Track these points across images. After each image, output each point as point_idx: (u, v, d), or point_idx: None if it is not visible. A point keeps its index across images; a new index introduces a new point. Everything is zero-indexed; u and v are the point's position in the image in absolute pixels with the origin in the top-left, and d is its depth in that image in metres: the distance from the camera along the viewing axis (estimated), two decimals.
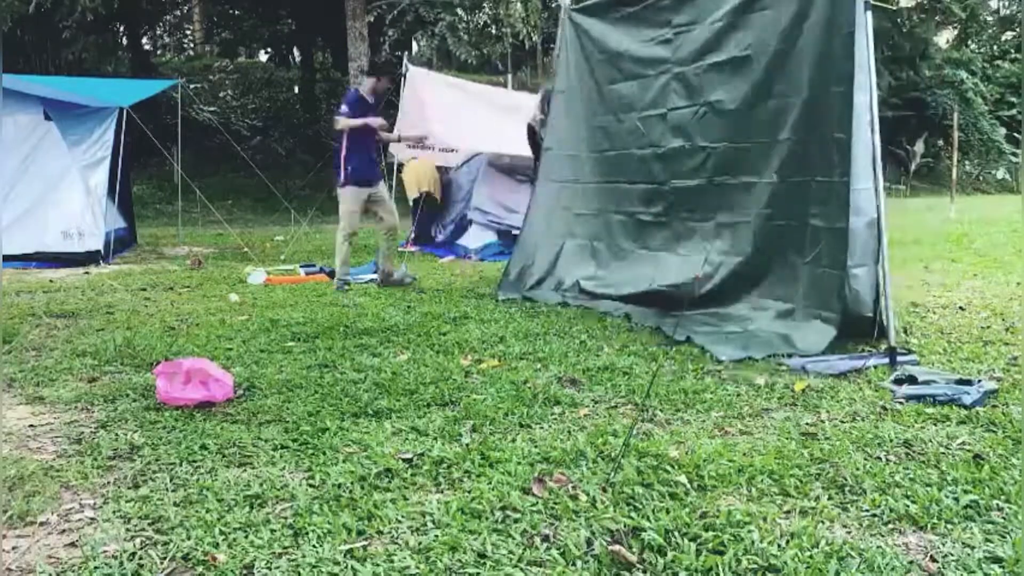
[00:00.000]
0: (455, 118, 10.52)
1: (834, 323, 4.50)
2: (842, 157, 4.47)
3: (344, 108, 7.14)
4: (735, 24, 5.23)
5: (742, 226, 5.24)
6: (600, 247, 6.43)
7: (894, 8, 25.30)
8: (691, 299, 4.79)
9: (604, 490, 2.54)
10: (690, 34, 5.58)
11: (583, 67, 6.56)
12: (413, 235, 10.57)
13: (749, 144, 5.16)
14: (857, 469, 2.71)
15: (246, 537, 2.25)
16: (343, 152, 7.11)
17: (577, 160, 6.62)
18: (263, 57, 30.26)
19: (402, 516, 2.38)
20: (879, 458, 2.83)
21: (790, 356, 4.32)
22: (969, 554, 2.14)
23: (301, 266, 8.50)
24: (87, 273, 8.38)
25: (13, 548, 2.22)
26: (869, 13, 4.34)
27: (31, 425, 3.29)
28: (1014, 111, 30.54)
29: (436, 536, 2.24)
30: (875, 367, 4.06)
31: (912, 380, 3.71)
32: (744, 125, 5.19)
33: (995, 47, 34.39)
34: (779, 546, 2.17)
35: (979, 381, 3.65)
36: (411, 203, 10.20)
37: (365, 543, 2.22)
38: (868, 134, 4.37)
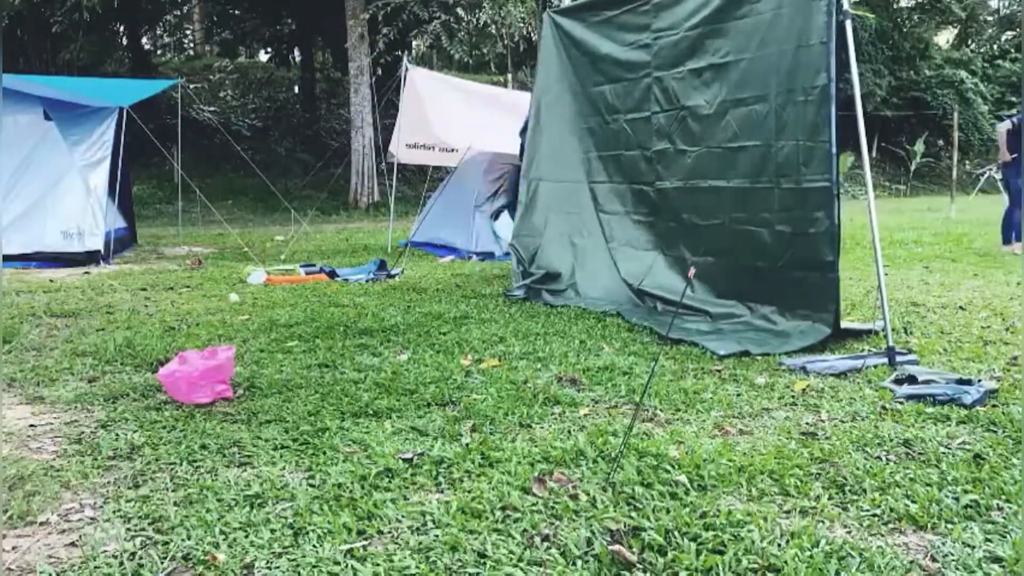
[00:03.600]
0: (455, 118, 10.52)
1: (826, 322, 4.57)
2: (819, 163, 4.56)
3: None
4: (711, 31, 5.34)
5: (715, 229, 5.36)
6: (586, 244, 6.47)
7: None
8: (680, 299, 4.87)
9: (604, 490, 2.54)
10: (668, 40, 5.66)
11: (566, 68, 6.64)
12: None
13: (722, 149, 5.26)
14: (857, 469, 2.71)
15: (246, 537, 2.25)
16: None
17: (567, 160, 6.66)
18: (263, 57, 30.27)
19: (402, 516, 2.38)
20: (879, 458, 2.83)
21: (789, 356, 4.32)
22: (969, 554, 2.14)
23: (301, 266, 8.50)
24: (87, 273, 8.38)
25: (13, 548, 2.22)
26: (848, 22, 4.39)
27: (31, 425, 3.29)
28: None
29: (436, 536, 2.24)
30: (875, 367, 4.06)
31: (912, 380, 3.71)
32: (717, 130, 5.30)
33: (995, 47, 34.42)
34: (779, 546, 2.17)
35: (979, 381, 3.65)
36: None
37: (365, 543, 2.22)
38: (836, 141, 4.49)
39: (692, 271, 4.61)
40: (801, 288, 4.75)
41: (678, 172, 5.68)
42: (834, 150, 4.49)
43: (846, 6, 4.41)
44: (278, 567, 2.10)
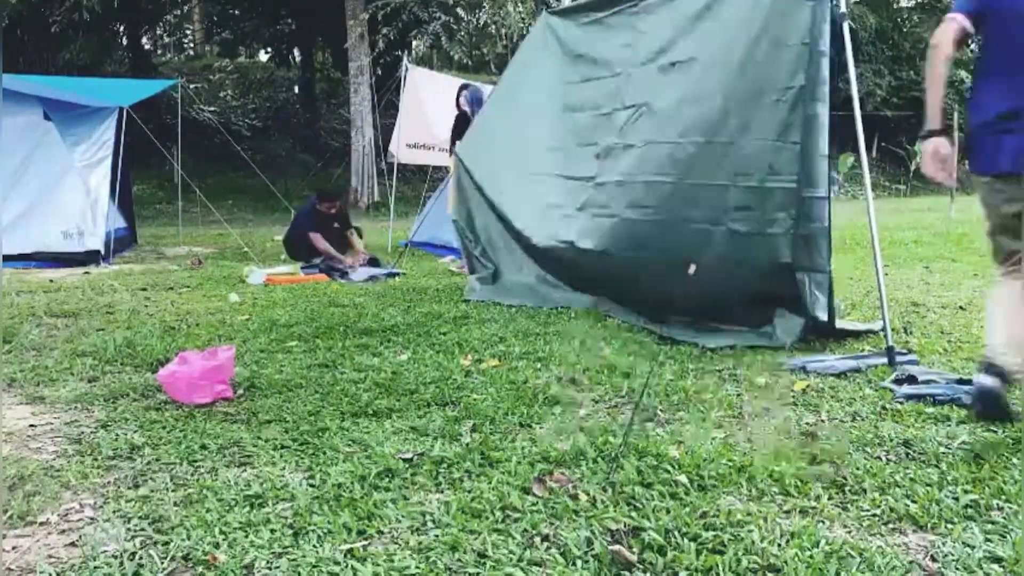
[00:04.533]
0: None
1: (801, 314, 4.54)
2: (786, 164, 4.51)
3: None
4: (687, 30, 5.30)
5: (642, 223, 5.32)
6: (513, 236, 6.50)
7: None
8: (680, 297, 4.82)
9: (604, 490, 2.54)
10: (648, 38, 5.64)
11: (543, 66, 6.60)
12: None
13: (669, 144, 5.18)
14: (857, 469, 2.71)
15: (246, 537, 2.25)
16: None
17: (503, 152, 6.67)
18: (263, 57, 30.27)
19: (402, 516, 2.38)
20: (879, 458, 2.83)
21: (791, 355, 4.32)
22: (969, 554, 2.14)
23: (302, 267, 8.50)
24: (87, 273, 8.38)
25: (13, 548, 2.22)
26: (846, 24, 4.36)
27: (31, 425, 3.29)
28: None
29: (436, 536, 2.24)
30: (875, 367, 4.06)
31: (912, 380, 3.71)
32: (667, 126, 5.23)
33: None
34: (779, 546, 2.17)
35: None
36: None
37: (365, 543, 2.22)
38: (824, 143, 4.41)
39: (693, 267, 4.54)
40: (764, 287, 4.73)
41: (619, 166, 5.61)
42: (824, 151, 4.39)
43: (843, 8, 4.39)
44: (278, 567, 2.10)
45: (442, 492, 2.57)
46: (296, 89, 26.23)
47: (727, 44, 4.95)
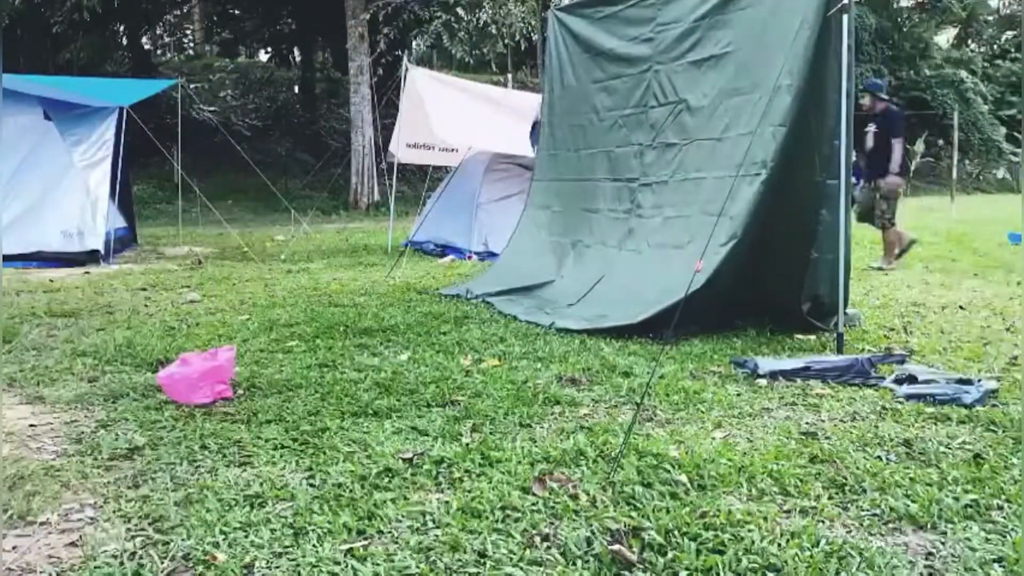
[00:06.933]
0: (456, 118, 10.51)
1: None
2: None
3: None
4: (715, 22, 5.24)
5: (681, 220, 5.32)
6: (566, 243, 6.39)
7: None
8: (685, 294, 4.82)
9: (604, 490, 2.54)
10: (671, 32, 5.59)
11: (567, 67, 6.58)
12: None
13: (713, 140, 5.18)
14: (857, 469, 2.71)
15: (246, 537, 2.25)
16: None
17: (557, 159, 6.65)
18: (263, 57, 30.27)
19: (402, 515, 2.38)
20: (879, 458, 2.83)
21: (792, 356, 4.32)
22: (969, 554, 2.14)
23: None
24: (87, 273, 8.38)
25: (13, 548, 2.22)
26: (845, 17, 4.34)
27: (31, 425, 3.29)
28: (1014, 111, 30.56)
29: (436, 536, 2.24)
30: (875, 367, 4.06)
31: (912, 380, 3.72)
32: (710, 121, 5.22)
33: (995, 47, 34.43)
34: (779, 545, 2.17)
35: (979, 381, 3.65)
36: None
37: (365, 543, 2.22)
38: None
39: (699, 264, 4.51)
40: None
41: (665, 167, 5.58)
42: (845, 143, 4.48)
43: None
44: (278, 567, 2.10)
45: (442, 492, 2.57)
46: (296, 89, 26.25)
47: (757, 32, 4.90)
